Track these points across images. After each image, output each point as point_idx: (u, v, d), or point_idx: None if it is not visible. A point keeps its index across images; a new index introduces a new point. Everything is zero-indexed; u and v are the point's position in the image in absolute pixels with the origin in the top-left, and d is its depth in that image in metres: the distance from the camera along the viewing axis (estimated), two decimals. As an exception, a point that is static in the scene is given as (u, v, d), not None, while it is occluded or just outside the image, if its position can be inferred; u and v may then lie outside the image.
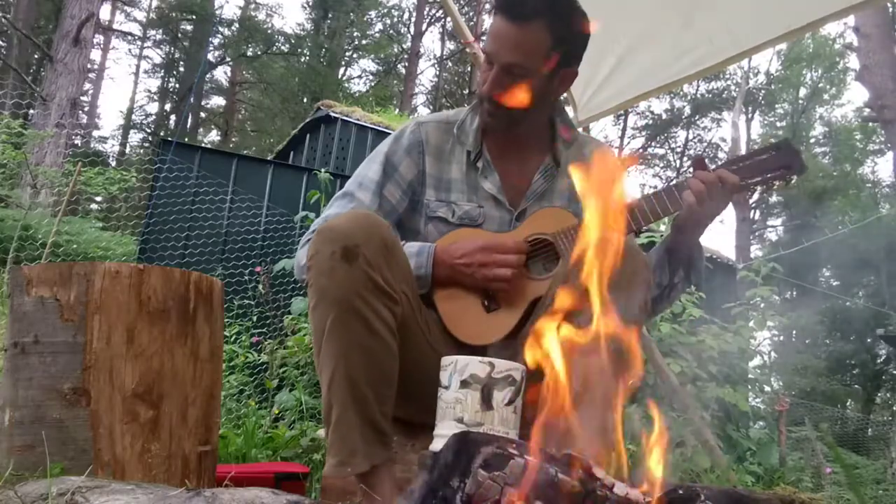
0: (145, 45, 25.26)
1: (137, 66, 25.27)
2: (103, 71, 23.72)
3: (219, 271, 4.63)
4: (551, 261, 1.46)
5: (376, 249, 1.24)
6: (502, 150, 1.57)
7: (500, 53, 1.42)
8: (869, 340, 17.80)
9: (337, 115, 7.35)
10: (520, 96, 1.45)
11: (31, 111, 11.80)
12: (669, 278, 1.48)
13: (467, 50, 2.77)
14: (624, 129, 25.57)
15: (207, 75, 24.12)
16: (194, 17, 24.22)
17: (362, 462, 1.21)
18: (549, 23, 1.39)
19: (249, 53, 24.56)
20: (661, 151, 27.07)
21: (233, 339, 3.96)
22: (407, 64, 24.94)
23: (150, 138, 23.45)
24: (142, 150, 23.29)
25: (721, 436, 3.86)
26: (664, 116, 25.78)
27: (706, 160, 1.41)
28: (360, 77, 27.41)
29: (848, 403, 17.55)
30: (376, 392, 1.24)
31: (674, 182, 1.43)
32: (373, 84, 26.56)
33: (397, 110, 17.81)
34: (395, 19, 26.10)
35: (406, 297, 1.32)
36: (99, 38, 20.98)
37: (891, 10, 12.40)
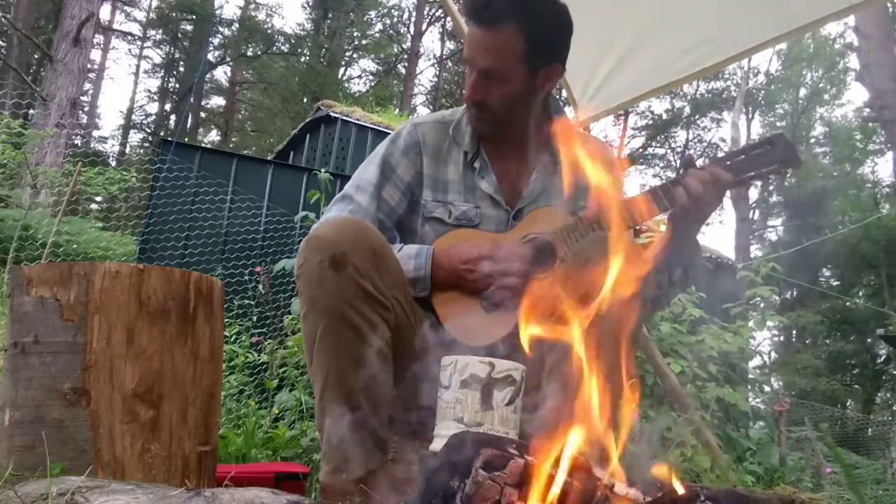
0: (145, 45, 25.28)
1: (137, 66, 25.31)
2: (103, 71, 23.75)
3: (219, 271, 4.63)
4: (549, 259, 1.46)
5: (365, 257, 1.23)
6: (499, 150, 1.56)
7: (475, 59, 1.42)
8: (869, 340, 17.80)
9: (337, 115, 7.35)
10: (501, 99, 1.45)
11: (31, 111, 11.80)
12: (668, 278, 1.47)
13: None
14: (624, 129, 25.54)
15: (207, 75, 24.13)
16: (194, 17, 24.22)
17: (357, 468, 1.21)
18: (518, 24, 1.38)
19: (249, 53, 24.57)
20: (661, 151, 27.09)
21: (233, 339, 3.96)
22: (407, 64, 24.94)
23: (150, 138, 23.46)
24: (142, 150, 23.30)
25: (721, 436, 3.86)
26: (664, 116, 25.77)
27: (696, 160, 1.41)
28: (360, 77, 27.45)
29: (848, 403, 17.54)
30: (369, 398, 1.24)
31: (667, 180, 1.42)
32: (373, 84, 26.56)
33: (397, 110, 17.81)
34: (395, 19, 26.12)
35: (398, 302, 1.31)
36: (99, 38, 20.99)
37: (891, 10, 12.40)
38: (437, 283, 1.45)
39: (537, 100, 1.52)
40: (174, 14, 24.61)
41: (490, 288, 1.42)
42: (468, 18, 1.43)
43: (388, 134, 1.67)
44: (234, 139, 25.68)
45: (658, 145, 26.96)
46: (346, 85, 25.85)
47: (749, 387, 4.58)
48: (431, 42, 36.25)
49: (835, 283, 21.63)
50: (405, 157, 1.56)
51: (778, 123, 24.81)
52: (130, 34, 24.73)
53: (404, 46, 25.63)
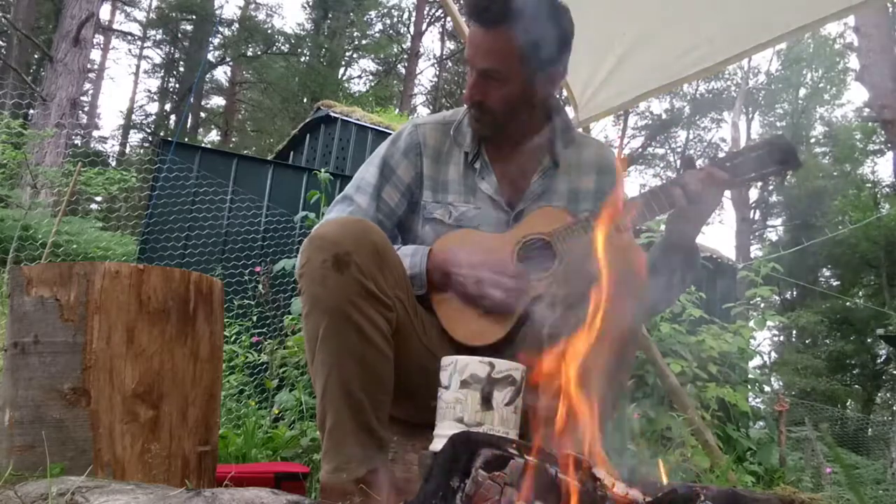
0: (145, 45, 25.29)
1: (137, 66, 25.33)
2: (103, 71, 23.76)
3: (219, 271, 4.64)
4: (548, 260, 1.46)
5: (368, 256, 1.23)
6: (500, 151, 1.56)
7: (476, 60, 1.42)
8: (869, 340, 17.80)
9: (337, 115, 7.36)
10: (501, 101, 1.45)
11: (31, 111, 11.81)
12: (667, 279, 1.47)
13: (467, 50, 2.76)
14: (624, 129, 25.57)
15: (207, 75, 24.13)
16: (194, 17, 24.22)
17: (358, 467, 1.21)
18: (519, 25, 1.38)
19: (249, 53, 24.57)
20: (661, 151, 27.10)
21: (233, 339, 3.96)
22: (407, 64, 24.94)
23: (150, 138, 23.46)
24: (142, 150, 23.30)
25: (721, 436, 3.86)
26: (664, 116, 25.78)
27: (695, 160, 1.41)
28: (360, 77, 27.46)
29: (848, 403, 17.54)
30: (371, 398, 1.24)
31: (666, 181, 1.42)
32: (373, 84, 26.57)
33: (397, 110, 17.81)
34: (395, 19, 26.12)
35: (401, 301, 1.31)
36: (99, 38, 21.00)
37: (891, 10, 12.39)
38: (433, 282, 1.45)
39: (537, 103, 1.52)
40: (174, 14, 24.62)
41: (479, 296, 1.41)
42: (470, 19, 1.43)
43: (388, 134, 1.67)
44: (234, 139, 25.69)
45: (658, 145, 26.97)
46: (346, 85, 25.86)
47: (749, 387, 4.58)
48: (431, 42, 36.33)
49: (835, 283, 21.63)
50: (405, 158, 1.56)
51: (778, 123, 24.81)
52: (130, 34, 24.77)
53: (404, 46, 25.63)
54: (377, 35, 26.11)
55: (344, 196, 1.56)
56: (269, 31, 24.87)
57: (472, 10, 1.42)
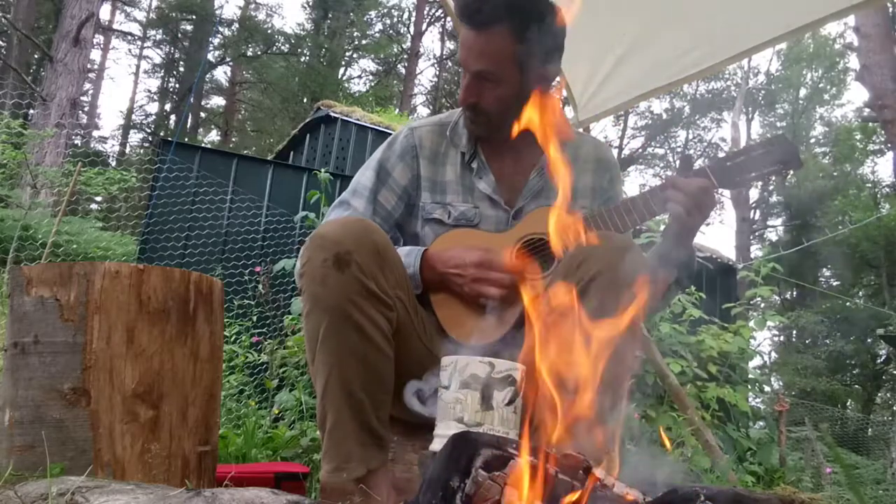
0: (145, 45, 25.28)
1: (137, 66, 25.32)
2: (103, 71, 23.75)
3: (219, 271, 4.64)
4: (548, 259, 1.46)
5: (368, 255, 1.24)
6: (497, 150, 1.57)
7: (469, 62, 1.43)
8: (869, 340, 17.79)
9: (337, 115, 7.36)
10: (495, 102, 1.45)
11: (31, 111, 11.81)
12: (664, 280, 1.47)
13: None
14: (624, 129, 25.57)
15: (207, 75, 24.13)
16: (194, 17, 24.22)
17: (358, 467, 1.21)
18: (510, 26, 1.38)
19: (249, 53, 24.57)
20: (661, 151, 27.10)
21: (233, 339, 3.96)
22: (407, 64, 24.94)
23: (150, 138, 23.46)
24: (142, 150, 23.29)
25: (721, 436, 3.86)
26: (664, 116, 25.78)
27: (693, 161, 1.42)
28: (360, 77, 27.46)
29: (848, 403, 17.54)
30: (371, 397, 1.24)
31: (658, 185, 1.43)
32: (373, 84, 26.57)
33: (397, 110, 17.81)
34: (395, 19, 26.12)
35: (401, 301, 1.32)
36: (99, 38, 21.00)
37: (891, 10, 12.39)
38: (428, 283, 1.45)
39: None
40: (174, 14, 24.61)
41: (474, 294, 1.41)
42: (461, 21, 1.43)
43: (389, 134, 1.68)
44: (234, 139, 25.68)
45: (658, 145, 26.97)
46: (346, 85, 25.86)
47: (749, 387, 4.58)
48: (431, 42, 36.32)
49: (835, 283, 21.63)
50: (401, 160, 1.57)
51: (778, 123, 24.81)
52: (130, 34, 24.76)
53: (404, 46, 25.63)
54: (377, 35, 26.11)
55: (340, 201, 1.57)
56: (269, 31, 24.87)
57: (464, 13, 1.42)
